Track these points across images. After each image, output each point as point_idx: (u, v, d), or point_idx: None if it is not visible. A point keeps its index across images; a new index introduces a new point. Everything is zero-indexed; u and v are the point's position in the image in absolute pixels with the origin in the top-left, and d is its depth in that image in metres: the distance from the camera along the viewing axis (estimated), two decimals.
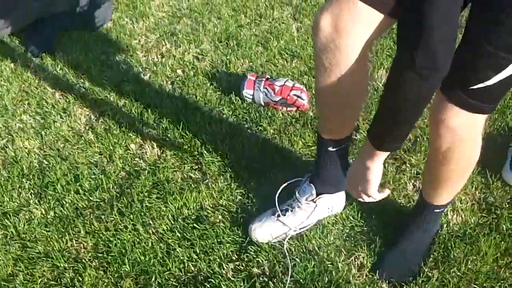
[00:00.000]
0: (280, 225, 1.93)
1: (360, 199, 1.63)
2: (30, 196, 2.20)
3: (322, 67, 1.52)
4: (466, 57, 1.32)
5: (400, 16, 1.27)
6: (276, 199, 1.97)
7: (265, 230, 1.92)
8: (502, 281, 1.76)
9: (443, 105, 1.44)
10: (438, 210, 1.82)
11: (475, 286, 1.75)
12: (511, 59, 1.27)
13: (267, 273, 1.85)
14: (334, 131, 1.80)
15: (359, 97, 1.61)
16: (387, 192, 1.63)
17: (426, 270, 1.80)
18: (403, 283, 1.78)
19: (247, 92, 2.46)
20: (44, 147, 2.41)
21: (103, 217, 2.08)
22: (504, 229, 1.90)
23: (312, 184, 1.93)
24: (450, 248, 1.85)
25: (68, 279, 1.90)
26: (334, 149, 1.84)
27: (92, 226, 2.05)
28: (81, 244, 2.01)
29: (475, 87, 1.35)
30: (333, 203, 1.95)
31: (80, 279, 1.89)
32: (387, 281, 1.80)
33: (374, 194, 1.58)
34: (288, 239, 1.92)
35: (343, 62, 1.48)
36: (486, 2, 1.27)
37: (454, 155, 1.56)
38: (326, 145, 1.84)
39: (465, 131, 1.48)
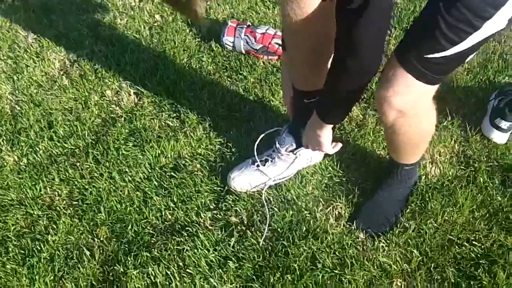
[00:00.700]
0: (259, 174, 1.91)
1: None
2: (2, 143, 2.15)
3: (287, 17, 1.48)
4: (426, 27, 1.32)
5: None
6: (255, 148, 1.95)
7: (244, 180, 1.91)
8: (477, 232, 1.78)
9: (387, 82, 1.45)
10: (407, 168, 1.83)
11: (451, 237, 1.77)
12: (470, 32, 1.26)
13: (245, 222, 1.84)
14: (306, 83, 1.77)
15: (328, 49, 1.60)
16: (339, 146, 1.79)
17: (403, 220, 1.81)
18: (380, 233, 1.79)
19: (228, 39, 2.40)
20: (17, 92, 2.34)
21: (78, 164, 2.05)
22: (481, 181, 1.90)
23: (291, 135, 1.91)
24: (427, 199, 1.86)
25: (42, 227, 1.88)
26: (308, 101, 1.80)
27: (67, 174, 2.02)
28: (56, 192, 1.98)
29: (431, 56, 1.33)
30: (312, 154, 1.93)
31: (55, 227, 1.87)
32: (364, 231, 1.80)
33: (328, 150, 1.74)
34: (267, 188, 1.91)
35: (308, 12, 1.44)
36: None
37: (401, 130, 1.59)
38: (301, 96, 1.81)
39: (408, 109, 1.49)
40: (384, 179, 1.87)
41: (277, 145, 1.92)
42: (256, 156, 1.93)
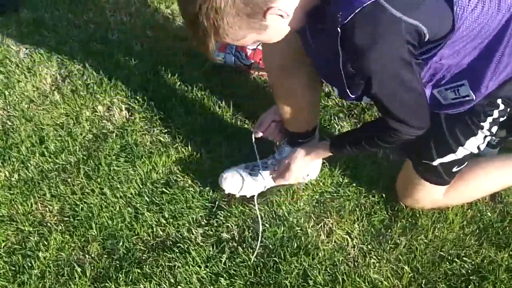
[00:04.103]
0: (251, 179, 1.92)
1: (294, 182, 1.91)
2: None
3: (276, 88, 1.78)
4: (426, 140, 1.65)
5: None
6: (255, 149, 1.93)
7: (235, 182, 1.91)
8: (467, 248, 1.79)
9: (404, 191, 1.84)
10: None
11: (442, 253, 1.77)
12: (455, 150, 1.65)
13: (237, 238, 1.84)
14: (297, 127, 1.85)
15: (314, 89, 1.77)
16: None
17: (394, 236, 1.81)
18: (371, 250, 1.79)
19: (219, 55, 2.41)
20: (8, 107, 2.33)
21: (69, 180, 2.04)
22: None
23: (290, 146, 1.92)
24: (418, 215, 1.86)
25: (33, 243, 1.86)
26: (302, 141, 1.87)
27: (58, 189, 2.01)
28: (47, 208, 1.97)
29: (425, 162, 1.71)
30: (308, 170, 1.93)
31: (46, 243, 1.86)
32: (354, 248, 1.80)
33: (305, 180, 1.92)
34: (257, 197, 1.90)
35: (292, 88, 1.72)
36: None
37: (451, 204, 1.88)
38: (294, 137, 1.88)
39: (437, 203, 1.84)
40: None
41: (276, 155, 1.95)
42: (258, 160, 1.93)
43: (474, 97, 1.50)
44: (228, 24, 1.18)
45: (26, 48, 2.60)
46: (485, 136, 1.66)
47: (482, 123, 1.61)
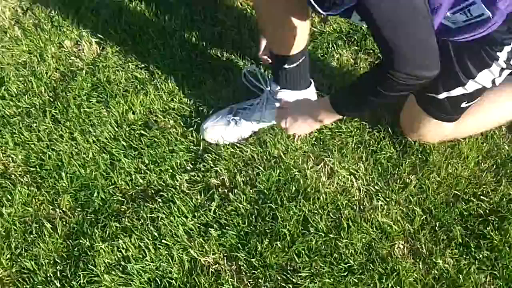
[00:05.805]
0: (234, 125, 1.79)
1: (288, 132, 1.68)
2: None
3: None
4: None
5: None
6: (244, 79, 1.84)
7: (217, 131, 1.78)
8: (484, 186, 1.67)
9: (409, 128, 1.73)
10: None
11: (456, 192, 1.65)
12: (464, 82, 1.52)
13: (227, 184, 1.72)
14: (284, 46, 1.66)
15: (299, 8, 1.57)
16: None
17: (404, 175, 1.68)
18: (378, 191, 1.66)
19: None
20: None
21: (34, 125, 1.91)
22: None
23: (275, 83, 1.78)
24: (428, 151, 1.73)
25: None
26: (289, 66, 1.70)
27: (22, 136, 1.88)
28: (10, 158, 1.85)
29: (429, 94, 1.60)
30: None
31: (10, 198, 1.74)
32: (359, 189, 1.67)
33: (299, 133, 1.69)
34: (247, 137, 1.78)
35: None
36: None
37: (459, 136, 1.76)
38: (280, 62, 1.71)
39: (445, 136, 1.72)
40: None
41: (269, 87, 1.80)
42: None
43: (491, 15, 1.32)
44: None
45: None
46: (502, 69, 1.51)
47: (498, 53, 1.46)
